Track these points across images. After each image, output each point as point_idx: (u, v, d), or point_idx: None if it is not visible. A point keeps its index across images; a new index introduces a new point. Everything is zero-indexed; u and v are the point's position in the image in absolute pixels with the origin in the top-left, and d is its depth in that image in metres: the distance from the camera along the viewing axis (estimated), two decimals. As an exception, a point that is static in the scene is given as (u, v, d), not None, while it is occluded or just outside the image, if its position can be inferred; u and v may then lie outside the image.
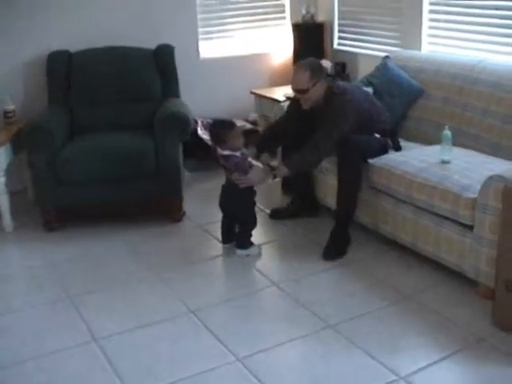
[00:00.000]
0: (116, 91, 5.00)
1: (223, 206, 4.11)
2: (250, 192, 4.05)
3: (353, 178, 3.98)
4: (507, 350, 3.00)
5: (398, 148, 4.19)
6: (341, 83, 4.21)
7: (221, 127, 3.99)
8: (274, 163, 4.19)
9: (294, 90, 4.06)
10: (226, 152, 3.90)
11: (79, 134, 4.81)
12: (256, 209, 4.14)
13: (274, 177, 4.03)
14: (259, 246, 4.13)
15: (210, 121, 4.04)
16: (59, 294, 3.70)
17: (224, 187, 4.10)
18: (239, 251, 4.07)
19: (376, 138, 4.13)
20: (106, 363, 3.04)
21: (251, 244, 4.08)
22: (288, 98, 5.22)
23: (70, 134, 4.77)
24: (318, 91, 3.99)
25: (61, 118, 4.78)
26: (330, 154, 4.04)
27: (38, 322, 3.45)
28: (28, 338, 3.29)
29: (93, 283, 3.81)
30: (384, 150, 4.11)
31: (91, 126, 4.89)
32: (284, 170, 3.98)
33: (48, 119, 4.62)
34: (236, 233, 4.13)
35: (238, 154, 3.92)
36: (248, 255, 4.04)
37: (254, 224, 4.12)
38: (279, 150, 4.56)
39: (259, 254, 4.07)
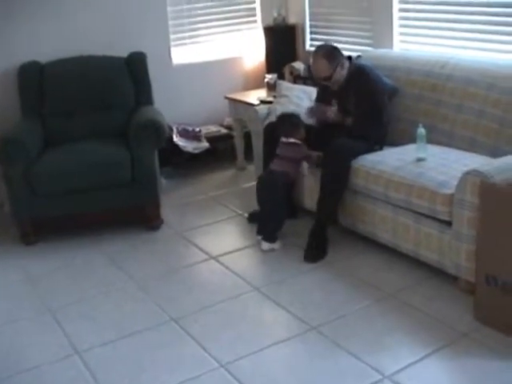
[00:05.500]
0: (89, 101, 4.96)
1: (260, 196, 4.20)
2: (285, 186, 4.14)
3: (338, 180, 3.97)
4: (490, 345, 3.01)
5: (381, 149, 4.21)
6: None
7: (297, 118, 4.26)
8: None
9: (318, 78, 4.23)
10: (293, 140, 4.16)
11: (54, 144, 4.76)
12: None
13: None
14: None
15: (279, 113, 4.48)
16: (39, 307, 3.66)
17: (261, 178, 4.26)
18: (265, 244, 4.12)
19: (367, 143, 4.12)
20: (88, 376, 3.01)
21: (276, 238, 4.13)
22: (262, 102, 5.22)
23: (44, 145, 4.73)
24: (340, 72, 4.14)
25: (34, 130, 4.75)
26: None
27: (19, 337, 3.40)
28: (9, 354, 3.25)
29: (73, 295, 3.77)
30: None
31: (65, 136, 4.84)
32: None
33: (21, 131, 4.59)
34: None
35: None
36: (273, 249, 4.10)
37: (283, 218, 4.17)
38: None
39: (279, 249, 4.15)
